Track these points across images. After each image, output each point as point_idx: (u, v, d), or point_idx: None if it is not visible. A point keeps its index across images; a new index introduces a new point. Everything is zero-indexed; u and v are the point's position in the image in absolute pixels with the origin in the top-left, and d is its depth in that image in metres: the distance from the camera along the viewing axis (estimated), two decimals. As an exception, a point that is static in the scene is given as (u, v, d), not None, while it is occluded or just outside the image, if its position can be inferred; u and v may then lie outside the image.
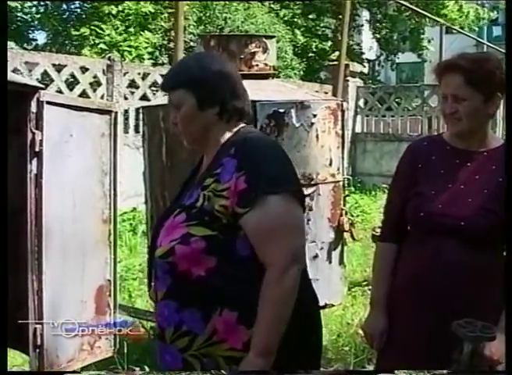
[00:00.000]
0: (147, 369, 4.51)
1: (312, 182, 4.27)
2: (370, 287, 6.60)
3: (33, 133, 3.20)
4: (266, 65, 4.64)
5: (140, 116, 11.89)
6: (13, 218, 3.45)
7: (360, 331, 5.34)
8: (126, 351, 4.41)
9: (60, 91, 10.59)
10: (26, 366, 4.61)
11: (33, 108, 3.20)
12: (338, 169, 4.49)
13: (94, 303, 3.59)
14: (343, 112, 4.62)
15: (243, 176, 2.20)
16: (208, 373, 2.28)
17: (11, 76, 3.45)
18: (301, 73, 19.26)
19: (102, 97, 11.50)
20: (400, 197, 2.80)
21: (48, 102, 3.22)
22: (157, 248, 2.32)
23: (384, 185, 14.21)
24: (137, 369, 4.51)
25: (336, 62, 12.88)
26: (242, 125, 2.39)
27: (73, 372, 3.03)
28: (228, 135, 2.35)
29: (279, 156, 2.32)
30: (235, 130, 2.37)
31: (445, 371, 2.35)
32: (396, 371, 2.47)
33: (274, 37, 5.03)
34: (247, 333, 2.21)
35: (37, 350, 3.30)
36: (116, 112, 3.66)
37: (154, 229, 2.43)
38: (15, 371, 2.65)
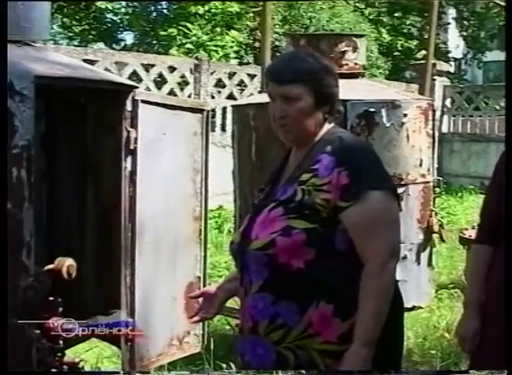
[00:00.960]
0: (232, 366, 4.56)
1: (402, 182, 4.24)
2: (456, 289, 6.55)
3: (128, 132, 3.24)
4: (356, 64, 4.63)
5: (227, 114, 12.09)
6: (108, 214, 3.54)
7: (447, 335, 5.30)
8: (212, 347, 4.46)
9: (149, 90, 10.77)
10: (114, 358, 4.73)
11: (129, 106, 3.24)
12: (428, 170, 4.44)
13: (184, 299, 3.63)
14: (433, 111, 4.57)
15: (344, 172, 2.24)
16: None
17: (107, 76, 3.54)
18: (386, 72, 19.07)
19: (189, 96, 11.65)
20: (495, 200, 2.74)
21: (143, 101, 3.26)
22: (250, 242, 2.33)
23: (471, 186, 13.98)
24: (224, 365, 4.56)
25: (422, 61, 12.72)
26: (332, 124, 2.43)
27: (76, 372, 3.07)
28: (321, 133, 2.39)
29: (375, 155, 2.39)
30: (327, 128, 2.40)
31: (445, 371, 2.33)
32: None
33: (364, 35, 5.01)
34: (342, 326, 2.24)
35: (129, 343, 3.35)
36: (208, 111, 3.70)
37: (246, 224, 2.43)
38: (15, 371, 2.70)
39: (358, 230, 2.25)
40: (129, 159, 3.26)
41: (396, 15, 21.08)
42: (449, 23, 23.33)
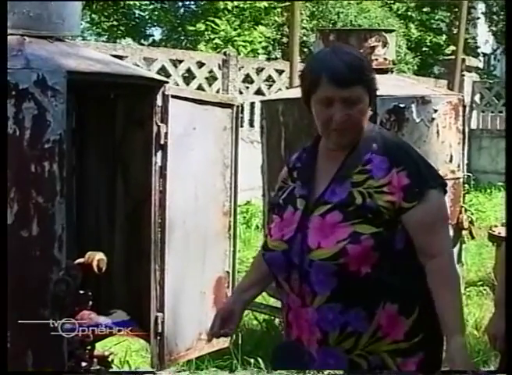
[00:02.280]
0: (260, 360, 4.57)
1: (432, 178, 4.20)
2: (485, 287, 6.50)
3: (159, 127, 3.25)
4: (385, 59, 4.61)
5: (255, 110, 12.09)
6: (138, 208, 3.55)
7: (476, 332, 5.26)
8: (240, 342, 4.47)
9: (177, 86, 10.80)
10: (143, 352, 4.75)
11: (159, 101, 3.25)
12: (458, 166, 4.41)
13: (213, 294, 3.64)
14: (464, 107, 4.53)
15: (403, 172, 2.23)
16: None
17: (138, 71, 3.54)
18: (415, 67, 18.95)
19: (218, 91, 11.67)
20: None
21: (173, 96, 3.27)
22: (309, 251, 2.25)
23: (500, 183, 13.85)
24: (252, 360, 4.57)
25: (451, 57, 12.61)
26: None
27: (74, 372, 3.08)
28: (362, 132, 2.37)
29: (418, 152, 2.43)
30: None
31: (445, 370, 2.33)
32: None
33: (393, 31, 4.99)
34: (406, 323, 2.28)
35: (158, 337, 3.37)
36: (238, 106, 3.70)
37: (295, 230, 2.31)
38: (15, 371, 2.71)
39: (422, 229, 2.26)
40: (159, 154, 3.27)
41: (424, 10, 20.91)
42: (478, 18, 23.12)
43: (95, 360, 3.35)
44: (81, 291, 3.19)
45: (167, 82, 3.35)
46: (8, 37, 2.99)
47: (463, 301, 2.33)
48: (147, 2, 19.30)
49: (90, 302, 3.26)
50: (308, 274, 2.26)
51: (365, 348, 2.27)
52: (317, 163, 2.39)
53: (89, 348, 3.30)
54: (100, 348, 3.46)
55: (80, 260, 3.19)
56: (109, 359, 3.47)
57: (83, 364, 3.25)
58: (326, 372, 2.20)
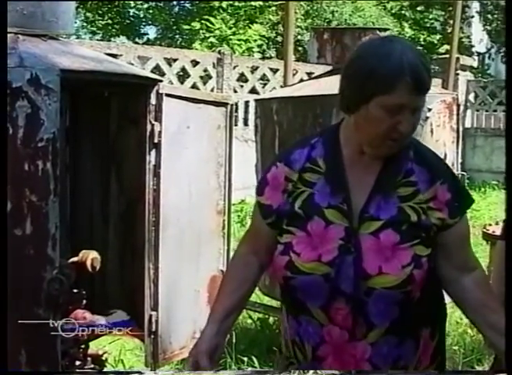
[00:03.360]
0: (254, 359, 4.57)
1: (426, 177, 4.21)
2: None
3: (153, 125, 3.25)
4: (380, 58, 4.59)
5: (250, 109, 12.09)
6: (131, 207, 3.55)
7: (470, 331, 5.26)
8: (234, 341, 4.48)
9: (171, 84, 10.79)
10: (137, 351, 4.75)
11: (153, 100, 3.25)
12: (452, 165, 4.41)
13: (207, 292, 3.63)
14: (458, 106, 4.53)
15: (444, 185, 2.01)
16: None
17: (132, 69, 3.54)
18: (409, 66, 18.96)
19: (212, 90, 11.67)
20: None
21: (167, 94, 3.27)
22: (368, 277, 1.95)
23: (494, 182, 13.89)
24: (245, 359, 4.58)
25: (445, 56, 12.62)
26: None
27: (72, 372, 3.08)
28: None
29: None
30: None
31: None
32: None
33: (388, 29, 5.00)
34: (432, 346, 2.13)
35: (152, 336, 3.36)
36: (232, 105, 3.69)
37: (338, 250, 1.98)
38: (15, 371, 2.70)
39: (462, 244, 2.08)
40: (153, 153, 3.27)
41: (418, 9, 20.95)
42: (472, 17, 23.15)
43: (89, 359, 3.35)
44: (75, 290, 3.19)
45: (161, 80, 3.35)
46: (2, 35, 3.00)
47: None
48: (142, 1, 19.30)
49: (84, 301, 3.26)
50: (364, 304, 1.96)
51: None
52: (344, 167, 2.04)
53: (83, 347, 3.30)
54: (94, 346, 3.45)
55: (74, 259, 3.18)
56: (103, 358, 3.47)
57: (77, 363, 3.25)
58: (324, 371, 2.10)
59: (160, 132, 3.26)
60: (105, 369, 3.51)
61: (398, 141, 1.95)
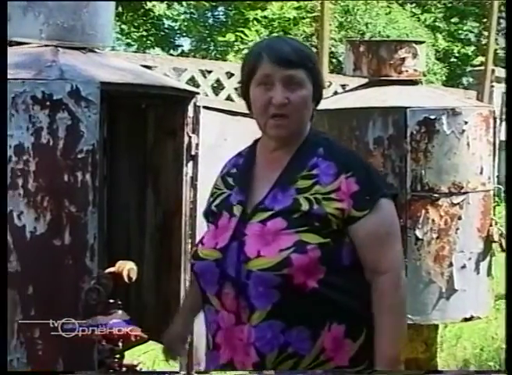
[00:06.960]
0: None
1: (462, 190, 4.18)
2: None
3: (190, 137, 3.27)
4: (415, 70, 4.58)
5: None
6: (168, 219, 3.57)
7: (505, 346, 5.21)
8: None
9: (206, 96, 10.84)
10: (171, 362, 4.75)
11: (190, 112, 3.27)
12: (489, 178, 4.38)
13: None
14: (494, 119, 4.50)
15: (352, 178, 2.07)
16: None
17: (169, 82, 3.57)
18: (443, 78, 18.87)
19: (246, 101, 11.68)
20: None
21: (205, 107, 3.29)
22: (247, 260, 2.05)
23: (530, 195, 13.72)
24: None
25: (480, 68, 12.53)
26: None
27: (70, 372, 3.08)
28: (306, 132, 2.20)
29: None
30: (309, 127, 2.21)
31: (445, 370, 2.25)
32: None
33: (423, 42, 4.95)
34: (352, 348, 2.09)
35: (187, 347, 3.37)
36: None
37: (229, 238, 2.11)
38: (15, 371, 2.71)
39: (373, 241, 2.08)
40: (190, 165, 3.29)
41: (452, 20, 20.82)
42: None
43: (124, 369, 3.37)
44: (111, 300, 3.21)
45: (198, 93, 3.37)
46: (43, 48, 3.06)
47: (405, 328, 2.14)
48: (177, 12, 19.43)
49: (120, 311, 3.28)
50: (245, 287, 2.04)
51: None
52: (255, 168, 2.22)
53: (118, 356, 3.32)
54: (129, 357, 3.47)
55: (111, 269, 3.21)
56: (138, 368, 3.48)
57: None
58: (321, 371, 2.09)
59: (197, 144, 3.28)
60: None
61: (279, 118, 2.10)
